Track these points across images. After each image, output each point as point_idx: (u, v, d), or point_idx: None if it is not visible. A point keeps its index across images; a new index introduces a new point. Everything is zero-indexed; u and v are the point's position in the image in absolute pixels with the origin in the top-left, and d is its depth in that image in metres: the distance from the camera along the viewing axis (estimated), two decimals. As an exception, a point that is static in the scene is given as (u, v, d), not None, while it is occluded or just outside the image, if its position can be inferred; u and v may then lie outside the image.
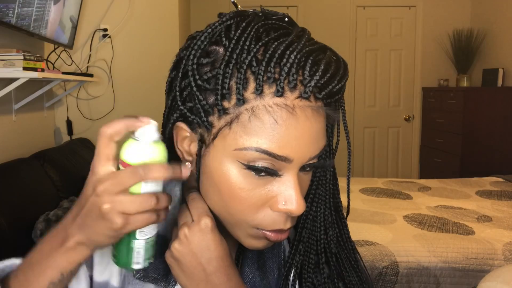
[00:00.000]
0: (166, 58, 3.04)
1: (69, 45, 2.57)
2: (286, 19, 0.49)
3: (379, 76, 4.45)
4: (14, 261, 0.47)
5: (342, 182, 0.61)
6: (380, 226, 2.02)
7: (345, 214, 0.59)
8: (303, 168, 0.48)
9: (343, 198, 0.60)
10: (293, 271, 0.55)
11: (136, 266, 0.45)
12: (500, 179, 3.01)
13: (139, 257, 0.45)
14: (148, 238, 0.45)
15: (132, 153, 0.42)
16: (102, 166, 0.42)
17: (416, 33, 4.38)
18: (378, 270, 1.72)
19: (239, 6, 0.51)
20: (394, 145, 4.54)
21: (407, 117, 4.49)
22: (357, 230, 1.92)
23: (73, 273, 0.45)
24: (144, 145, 0.42)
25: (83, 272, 0.53)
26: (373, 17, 4.37)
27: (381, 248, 1.78)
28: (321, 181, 0.55)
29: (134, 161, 0.42)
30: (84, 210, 0.42)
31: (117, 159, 0.43)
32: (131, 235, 0.44)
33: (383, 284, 1.72)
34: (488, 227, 2.02)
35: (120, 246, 0.45)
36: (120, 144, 0.43)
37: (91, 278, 0.53)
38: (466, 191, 2.72)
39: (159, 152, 0.43)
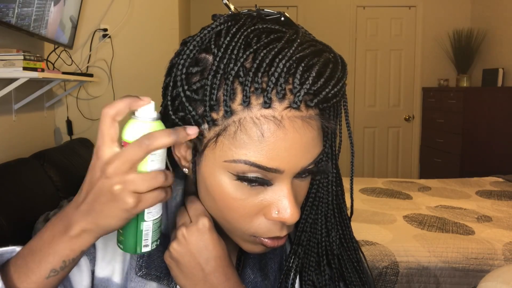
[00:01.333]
0: (166, 58, 3.04)
1: (69, 45, 2.57)
2: (282, 18, 0.47)
3: (379, 76, 4.45)
4: (14, 248, 0.46)
5: (344, 183, 0.61)
6: (380, 226, 2.02)
7: (348, 215, 0.58)
8: (298, 175, 0.47)
9: (346, 199, 0.59)
10: (292, 274, 0.54)
11: (144, 249, 0.45)
12: (500, 179, 3.00)
13: (147, 239, 0.45)
14: (155, 219, 0.45)
15: (133, 131, 0.42)
16: (107, 147, 0.41)
17: (416, 33, 4.38)
18: (378, 270, 1.72)
19: (232, 8, 0.49)
20: (394, 145, 4.54)
21: (407, 117, 4.49)
22: (357, 230, 1.91)
23: (75, 261, 0.44)
24: (144, 122, 0.42)
25: (85, 266, 0.52)
26: (373, 17, 4.37)
27: (381, 248, 1.78)
28: (321, 183, 0.54)
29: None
30: (90, 196, 0.41)
31: (120, 141, 0.42)
32: (139, 217, 0.44)
33: (383, 284, 1.72)
34: (488, 227, 2.01)
35: (128, 230, 0.45)
36: (121, 125, 0.43)
37: (92, 272, 0.53)
38: (466, 191, 2.72)
39: (160, 128, 0.43)
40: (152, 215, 0.45)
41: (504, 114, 3.62)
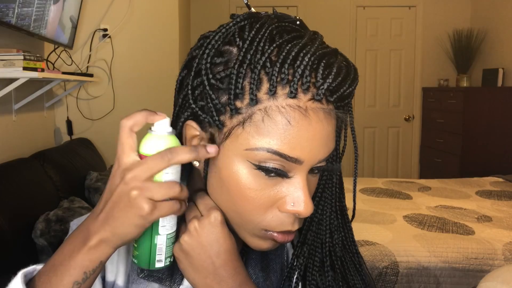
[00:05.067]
0: (166, 58, 3.05)
1: (69, 45, 2.57)
2: (298, 22, 0.49)
3: (379, 76, 4.45)
4: (35, 267, 0.47)
5: (346, 183, 0.61)
6: (380, 226, 2.02)
7: (350, 217, 0.59)
8: (311, 171, 0.48)
9: (348, 200, 0.60)
10: (296, 273, 0.55)
11: (158, 265, 0.46)
12: (500, 179, 3.01)
13: (161, 254, 0.46)
14: (169, 234, 0.46)
15: (151, 145, 0.44)
16: (127, 156, 0.43)
17: (416, 33, 4.38)
18: (378, 270, 1.72)
19: (252, 8, 0.51)
20: (394, 145, 4.54)
21: (407, 117, 4.49)
22: (357, 230, 1.91)
23: (96, 272, 0.45)
24: (161, 136, 0.44)
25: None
26: (373, 17, 4.37)
27: (381, 248, 1.78)
28: (327, 184, 0.55)
29: (154, 152, 0.44)
30: (110, 203, 0.42)
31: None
32: (153, 231, 0.45)
33: (383, 284, 1.72)
34: (488, 227, 2.02)
35: (143, 243, 0.46)
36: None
37: (103, 278, 0.54)
38: (466, 191, 2.72)
39: (175, 143, 0.45)
40: (166, 229, 0.46)
41: (504, 114, 3.62)
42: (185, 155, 0.42)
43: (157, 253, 0.46)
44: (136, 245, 0.46)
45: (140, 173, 0.41)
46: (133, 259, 0.47)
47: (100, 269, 0.45)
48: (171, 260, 0.48)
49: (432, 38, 4.34)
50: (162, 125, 0.45)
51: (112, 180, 0.43)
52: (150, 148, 0.44)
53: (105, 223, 0.42)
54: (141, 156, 0.44)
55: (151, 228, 0.45)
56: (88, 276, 0.44)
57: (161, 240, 0.46)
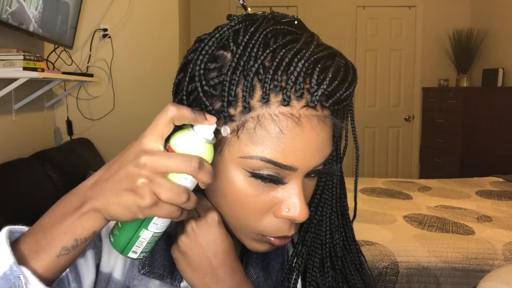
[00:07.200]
0: (166, 58, 3.05)
1: (69, 45, 2.57)
2: (296, 22, 0.48)
3: (379, 76, 4.45)
4: (23, 227, 0.44)
5: (346, 183, 0.61)
6: (380, 226, 2.02)
7: (351, 217, 0.59)
8: (308, 175, 0.48)
9: (349, 201, 0.60)
10: (295, 274, 0.55)
11: (131, 255, 0.44)
12: (500, 179, 3.00)
13: (139, 247, 0.44)
14: (156, 233, 0.44)
15: (185, 144, 0.41)
16: (153, 140, 0.40)
17: (416, 33, 4.38)
18: (378, 270, 1.72)
19: (249, 9, 0.50)
20: (394, 145, 4.54)
21: (407, 117, 4.49)
22: (357, 230, 1.90)
23: (87, 241, 0.42)
24: (201, 141, 0.42)
25: (91, 260, 0.51)
26: (373, 17, 4.37)
27: (381, 248, 1.78)
28: (327, 185, 0.55)
29: (184, 152, 0.41)
30: (114, 176, 0.39)
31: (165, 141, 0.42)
32: (143, 223, 0.43)
33: (383, 284, 1.72)
34: (488, 227, 2.02)
35: (126, 229, 0.43)
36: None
37: (97, 266, 0.52)
38: (466, 191, 2.72)
39: (210, 154, 0.43)
40: (156, 228, 0.43)
41: (504, 114, 3.62)
42: (208, 176, 0.41)
43: (135, 244, 0.43)
44: (119, 225, 0.43)
45: (156, 164, 0.39)
46: (110, 236, 0.44)
47: (92, 240, 0.42)
48: (146, 255, 0.45)
49: (432, 38, 4.34)
50: (207, 130, 0.42)
51: (126, 154, 0.40)
52: (183, 147, 0.41)
53: (101, 194, 0.39)
54: (168, 148, 0.41)
55: (142, 219, 0.42)
56: (79, 244, 0.41)
57: (146, 235, 0.43)
